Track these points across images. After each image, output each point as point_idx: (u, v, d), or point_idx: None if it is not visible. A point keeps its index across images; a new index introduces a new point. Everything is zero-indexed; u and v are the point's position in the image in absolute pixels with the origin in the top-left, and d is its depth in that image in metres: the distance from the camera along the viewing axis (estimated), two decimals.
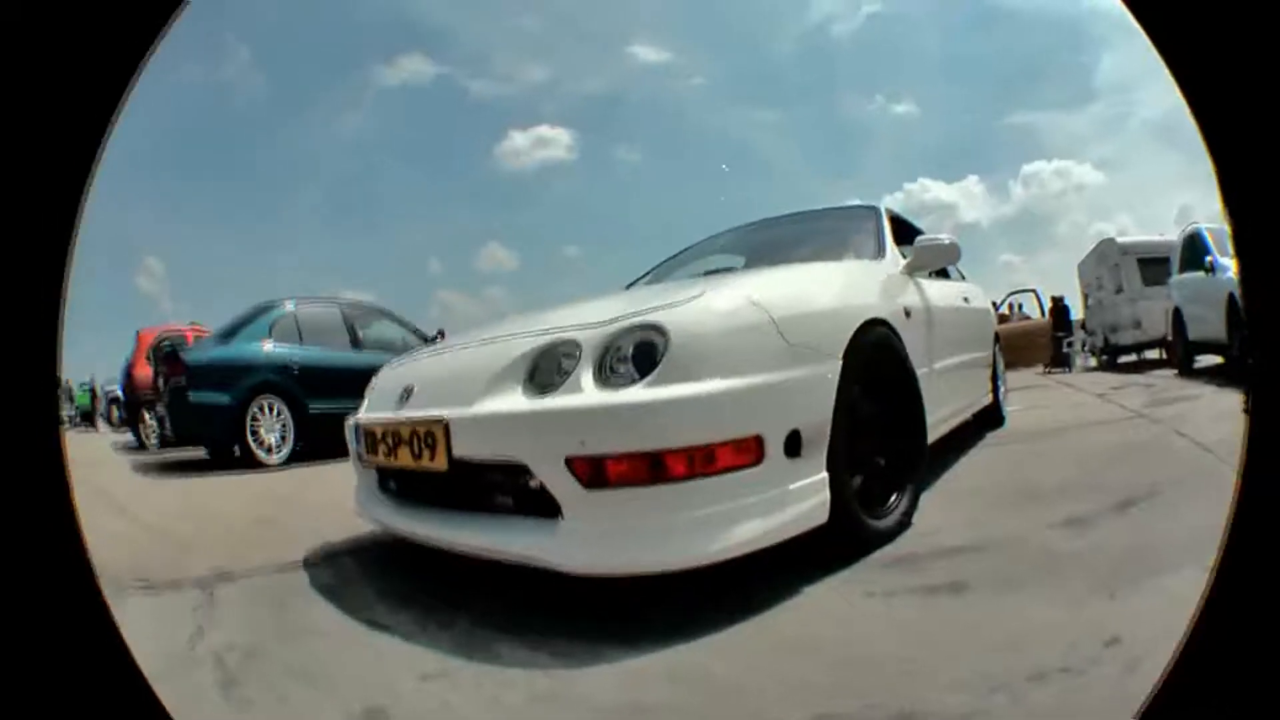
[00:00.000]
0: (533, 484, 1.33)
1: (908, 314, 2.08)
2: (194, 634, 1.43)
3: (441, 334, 5.15)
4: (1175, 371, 6.44)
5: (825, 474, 1.43)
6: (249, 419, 4.45)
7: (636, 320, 1.37)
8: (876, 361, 1.73)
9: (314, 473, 4.11)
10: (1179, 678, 0.74)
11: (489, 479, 1.45)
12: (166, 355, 4.73)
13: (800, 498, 1.37)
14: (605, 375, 1.33)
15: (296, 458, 4.55)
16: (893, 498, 1.72)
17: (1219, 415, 3.48)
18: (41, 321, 0.79)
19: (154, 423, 4.85)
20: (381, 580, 1.74)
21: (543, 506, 1.31)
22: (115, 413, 9.50)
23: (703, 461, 1.24)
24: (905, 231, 2.84)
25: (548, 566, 1.31)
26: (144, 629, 1.41)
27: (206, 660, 1.30)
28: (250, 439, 4.45)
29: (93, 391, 11.64)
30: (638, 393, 1.26)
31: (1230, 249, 3.43)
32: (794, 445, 1.36)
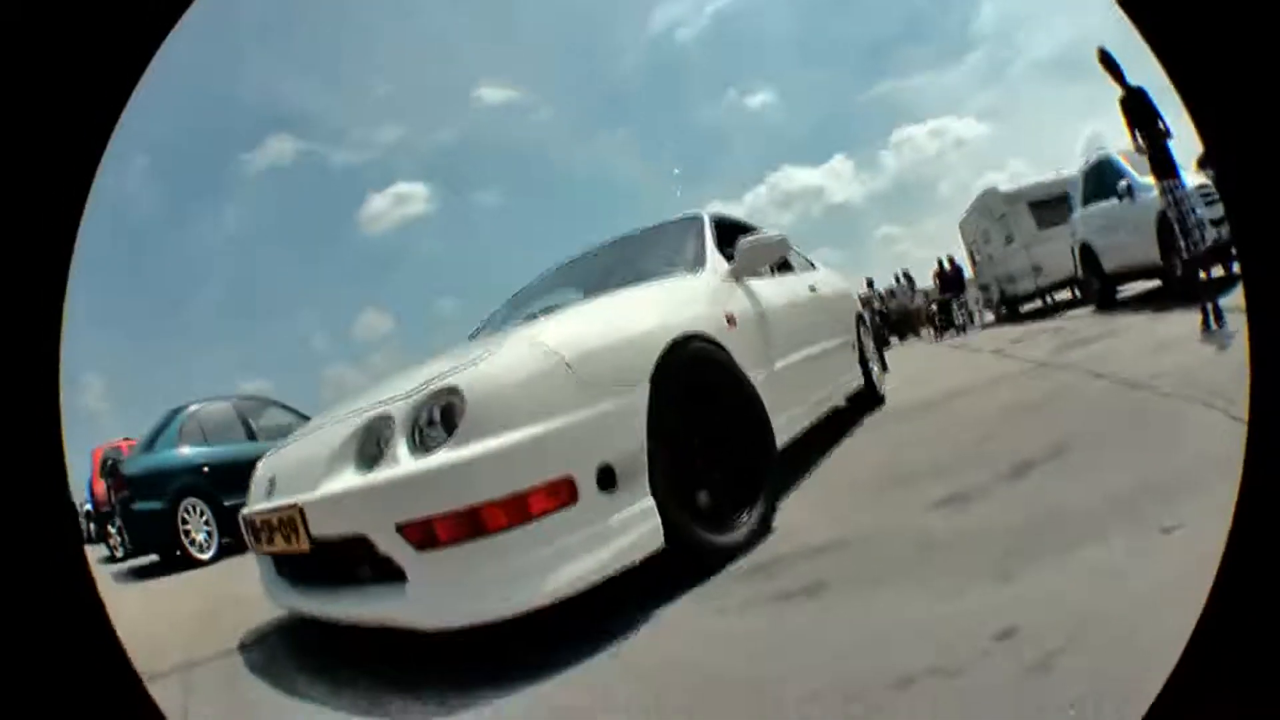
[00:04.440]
0: (380, 553, 1.37)
1: (731, 321, 2.08)
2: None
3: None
4: (1093, 308, 6.36)
5: (651, 501, 1.46)
6: (180, 521, 4.58)
7: (434, 386, 1.42)
8: (696, 377, 1.74)
9: (240, 563, 4.11)
10: (1185, 677, 0.68)
11: (349, 553, 1.48)
12: (111, 470, 4.92)
13: (626, 529, 1.41)
14: (419, 442, 1.38)
15: (226, 551, 4.65)
16: (743, 510, 1.72)
17: (1159, 345, 3.17)
18: (48, 443, 0.84)
19: (116, 534, 4.92)
20: (300, 655, 1.80)
21: (394, 572, 1.36)
22: (90, 527, 9.38)
23: (518, 510, 1.28)
24: (738, 233, 2.78)
25: (403, 627, 1.36)
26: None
27: None
28: (185, 539, 4.56)
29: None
30: (443, 455, 1.31)
31: (1149, 170, 3.39)
32: (608, 479, 1.40)
